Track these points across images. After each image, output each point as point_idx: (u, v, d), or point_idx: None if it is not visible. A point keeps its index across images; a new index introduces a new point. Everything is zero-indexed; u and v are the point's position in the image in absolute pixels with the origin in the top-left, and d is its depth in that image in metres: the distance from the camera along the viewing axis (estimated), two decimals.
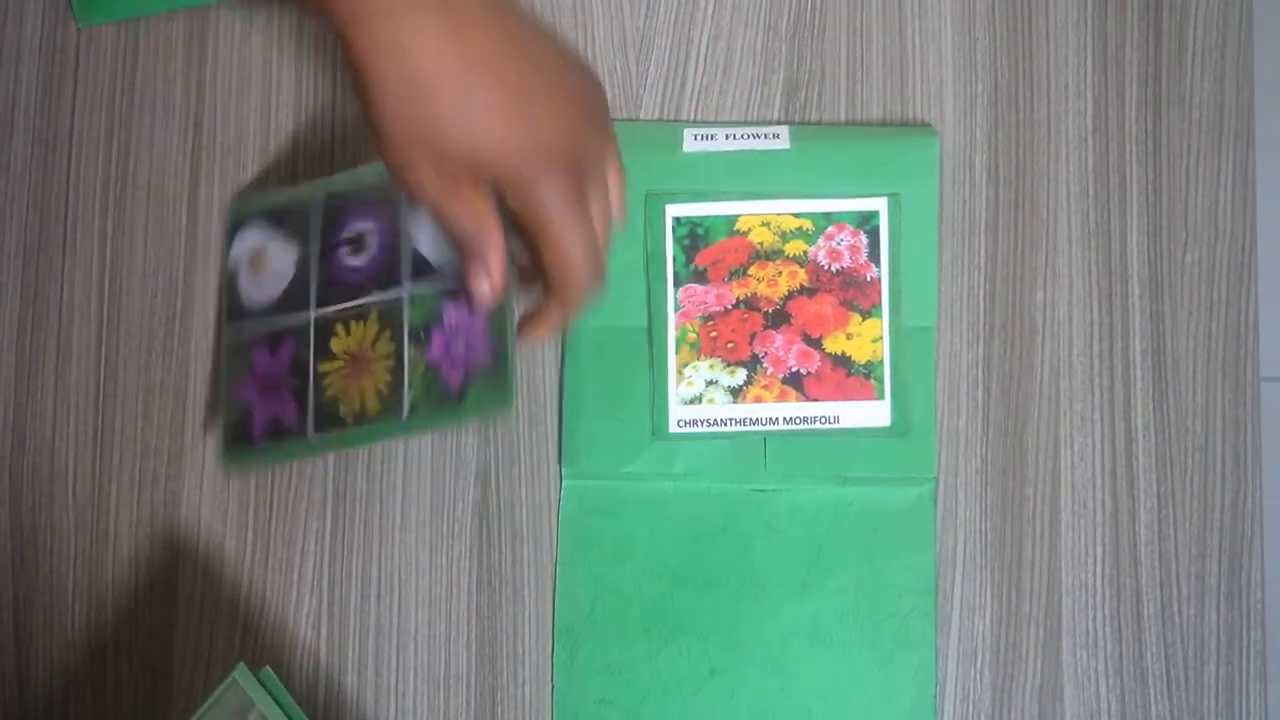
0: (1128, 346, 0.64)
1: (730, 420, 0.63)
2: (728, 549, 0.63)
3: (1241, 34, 0.65)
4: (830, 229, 0.63)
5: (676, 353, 0.63)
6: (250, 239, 0.63)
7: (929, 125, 0.65)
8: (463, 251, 0.55)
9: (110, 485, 0.64)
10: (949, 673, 0.63)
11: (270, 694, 0.59)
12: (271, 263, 0.63)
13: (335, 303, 0.60)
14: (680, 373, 0.63)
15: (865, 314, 0.63)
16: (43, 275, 0.65)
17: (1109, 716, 0.62)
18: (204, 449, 0.64)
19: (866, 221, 0.63)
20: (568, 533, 0.63)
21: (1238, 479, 0.63)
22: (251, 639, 0.63)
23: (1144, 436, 0.63)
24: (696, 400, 0.63)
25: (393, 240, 0.60)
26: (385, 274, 0.60)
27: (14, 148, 0.66)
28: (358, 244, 0.61)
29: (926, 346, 0.63)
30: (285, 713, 0.59)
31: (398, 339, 0.59)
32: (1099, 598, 0.63)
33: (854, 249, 0.63)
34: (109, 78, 0.66)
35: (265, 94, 0.66)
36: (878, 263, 0.63)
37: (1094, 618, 0.63)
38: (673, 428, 0.63)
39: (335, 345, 0.60)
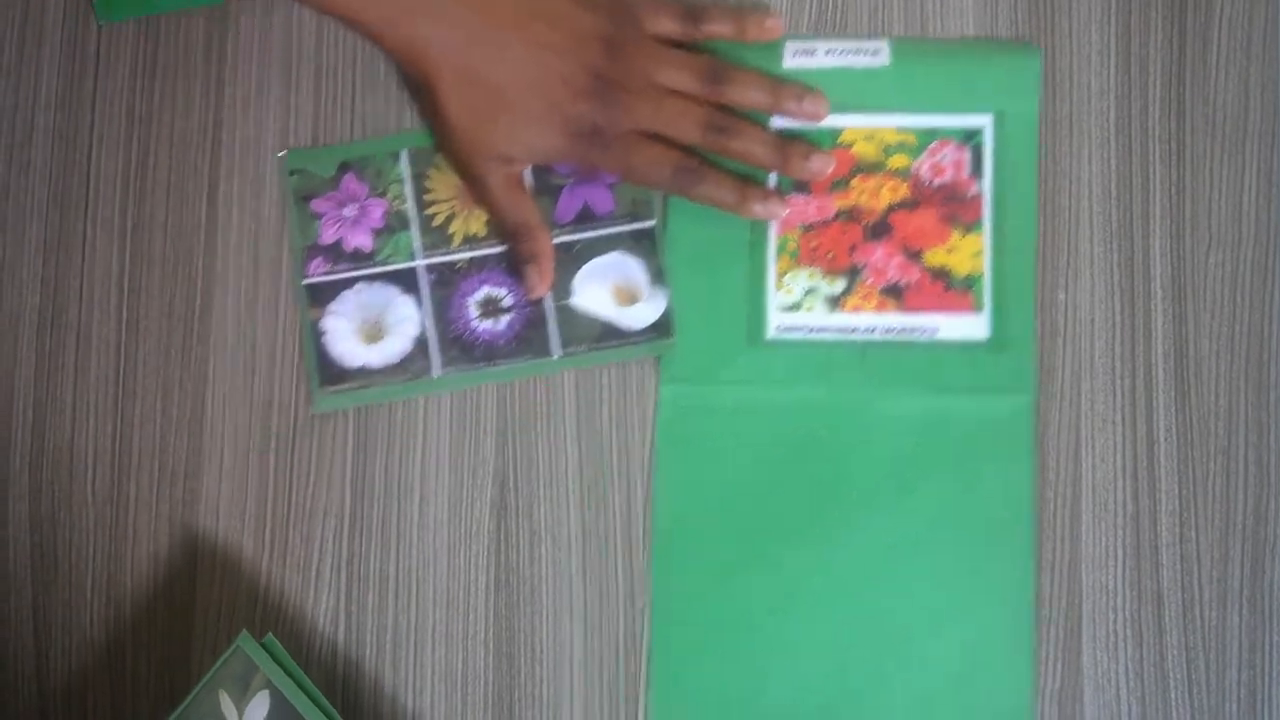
0: (1150, 349, 0.63)
1: (828, 328, 0.63)
2: (823, 457, 0.63)
3: (1267, 34, 0.64)
4: (934, 145, 0.63)
5: (777, 261, 0.63)
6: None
7: (1029, 42, 0.64)
8: (517, 247, 0.63)
9: (129, 482, 0.64)
10: None
11: (274, 659, 0.59)
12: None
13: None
14: (780, 280, 0.63)
15: (966, 228, 0.63)
16: (63, 272, 0.65)
17: None
18: (222, 446, 0.64)
19: (970, 138, 0.63)
20: (665, 438, 0.63)
21: (1261, 482, 0.63)
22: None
23: (1165, 439, 0.63)
24: (795, 308, 0.63)
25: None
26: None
27: (35, 145, 0.66)
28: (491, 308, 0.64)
29: (1026, 261, 0.63)
30: (289, 675, 0.59)
31: None
32: (1119, 600, 0.62)
33: (957, 164, 0.63)
34: (129, 75, 0.66)
35: (284, 92, 0.66)
36: (980, 178, 0.63)
37: (1114, 620, 0.62)
38: (770, 334, 0.63)
39: None
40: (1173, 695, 0.62)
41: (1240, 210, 0.64)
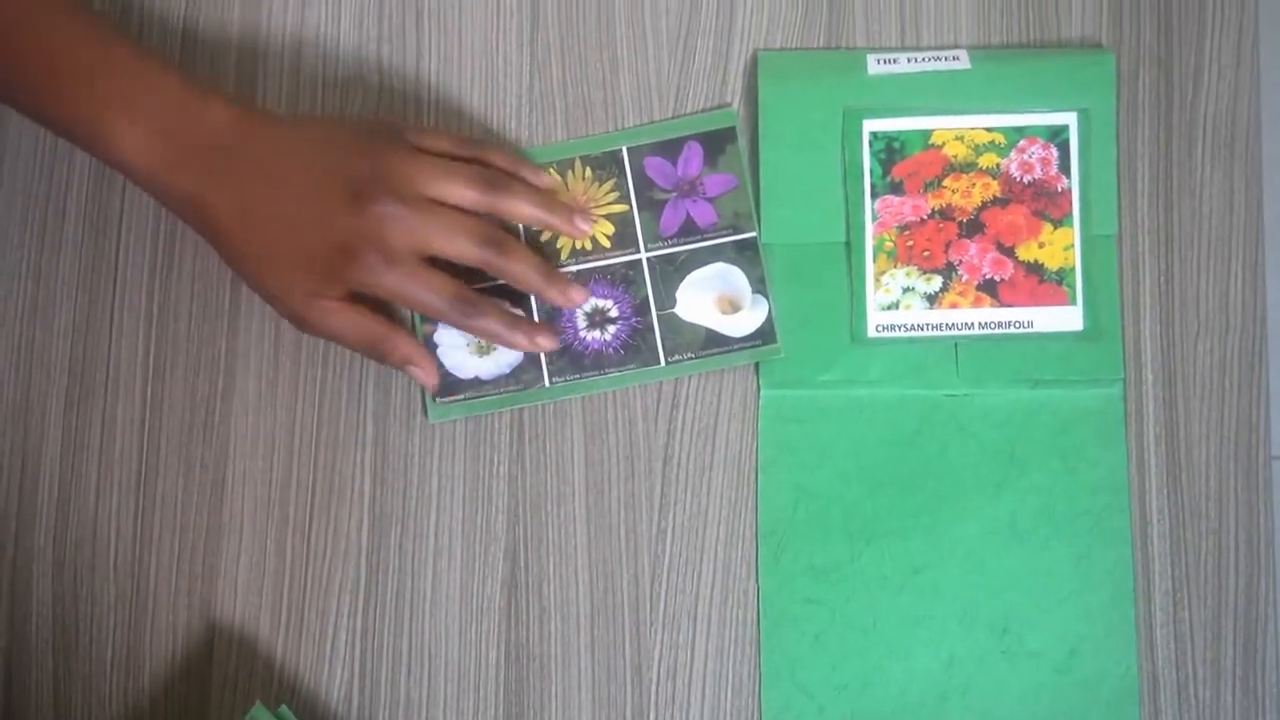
0: (1142, 432, 0.65)
1: (927, 325, 0.65)
2: (924, 452, 0.65)
3: (1250, 130, 0.67)
4: (1022, 142, 0.66)
5: (874, 261, 0.66)
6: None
7: (1100, 45, 0.68)
8: (385, 360, 0.62)
9: (150, 558, 0.66)
10: None
11: None
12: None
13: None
14: (878, 280, 0.66)
15: (1056, 223, 0.66)
16: (90, 353, 0.68)
17: None
18: (241, 523, 0.66)
19: (1057, 135, 0.66)
20: (767, 441, 0.66)
21: (1251, 563, 0.64)
22: None
23: (1158, 520, 0.65)
24: (894, 306, 0.65)
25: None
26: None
27: (65, 230, 0.68)
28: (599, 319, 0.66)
29: (1110, 254, 0.66)
30: None
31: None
32: None
33: (1045, 161, 0.66)
34: None
35: None
36: (1068, 174, 0.66)
37: None
38: (871, 333, 0.65)
39: None
40: None
41: (1228, 299, 0.66)
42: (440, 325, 0.67)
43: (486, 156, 0.64)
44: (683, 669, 0.64)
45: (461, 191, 0.60)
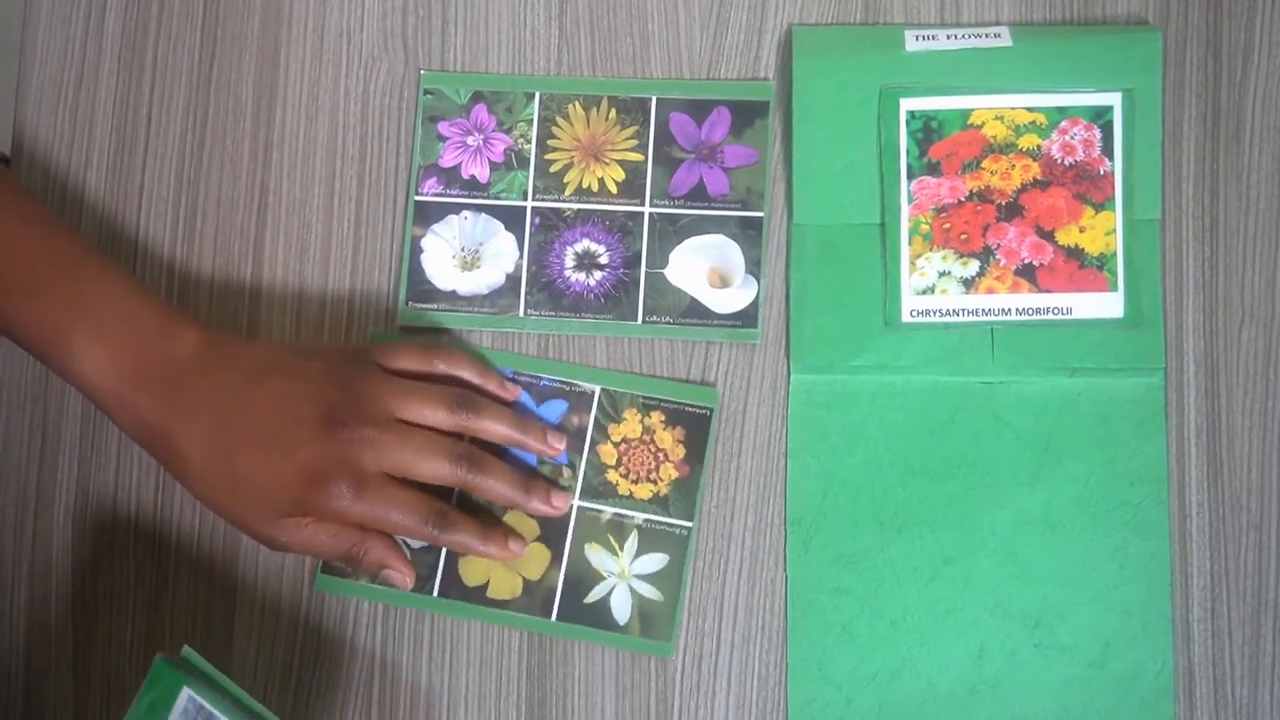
0: (1182, 423, 0.64)
1: (963, 310, 0.64)
2: (957, 440, 0.64)
3: None
4: (1064, 123, 0.64)
5: (909, 244, 0.64)
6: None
7: (1146, 22, 0.66)
8: (359, 567, 0.62)
9: (171, 535, 0.66)
10: None
11: (199, 670, 0.58)
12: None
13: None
14: (913, 264, 0.64)
15: (1098, 207, 0.64)
16: None
17: None
18: None
19: (1100, 116, 0.64)
20: (797, 426, 0.64)
21: None
22: (303, 698, 0.64)
23: (1198, 513, 0.63)
24: (929, 291, 0.64)
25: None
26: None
27: (85, 204, 0.68)
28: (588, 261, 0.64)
29: (1153, 239, 0.64)
30: (214, 685, 0.58)
31: None
32: None
33: (1087, 143, 0.64)
34: (179, 138, 0.68)
35: (330, 156, 0.68)
36: (1111, 156, 0.64)
37: None
38: (905, 317, 0.64)
39: None
40: None
41: (1274, 286, 0.64)
42: (431, 231, 0.66)
43: (455, 371, 0.63)
44: (708, 657, 0.64)
45: (433, 414, 0.60)
